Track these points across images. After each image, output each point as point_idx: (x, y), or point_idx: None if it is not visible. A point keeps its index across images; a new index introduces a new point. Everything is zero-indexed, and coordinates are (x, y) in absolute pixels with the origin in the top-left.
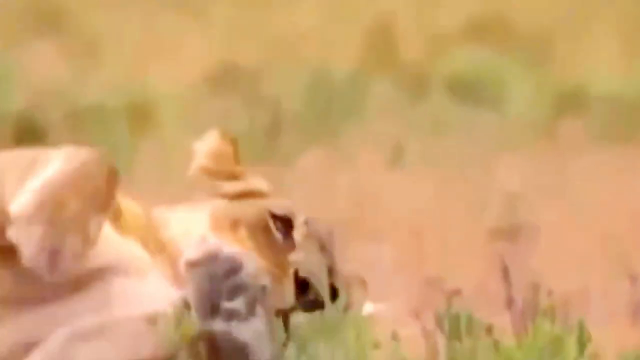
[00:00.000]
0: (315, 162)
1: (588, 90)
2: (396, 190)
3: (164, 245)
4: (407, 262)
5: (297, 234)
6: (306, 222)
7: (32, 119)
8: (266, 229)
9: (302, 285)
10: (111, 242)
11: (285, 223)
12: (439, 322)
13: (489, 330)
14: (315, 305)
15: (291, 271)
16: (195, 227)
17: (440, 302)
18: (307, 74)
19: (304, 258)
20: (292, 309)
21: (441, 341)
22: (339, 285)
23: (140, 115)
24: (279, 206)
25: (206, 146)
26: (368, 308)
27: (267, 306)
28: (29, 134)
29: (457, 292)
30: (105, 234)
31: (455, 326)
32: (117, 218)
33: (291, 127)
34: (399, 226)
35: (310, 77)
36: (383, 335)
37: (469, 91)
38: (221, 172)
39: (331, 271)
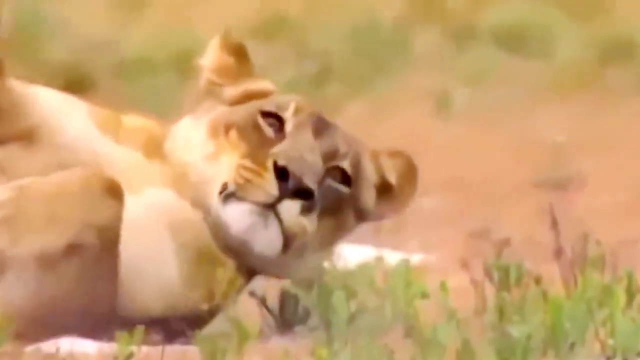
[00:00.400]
0: (361, 112)
1: (635, 39)
2: (442, 140)
3: (164, 154)
4: (455, 213)
5: (288, 125)
6: (297, 111)
7: (80, 69)
8: (256, 128)
9: (282, 174)
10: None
11: (277, 118)
12: (487, 273)
13: (538, 280)
14: (302, 193)
15: (270, 163)
16: (194, 135)
17: (489, 252)
18: (353, 24)
19: (289, 146)
20: (279, 200)
21: (490, 291)
22: (352, 164)
23: (186, 65)
24: (268, 103)
25: (208, 60)
26: (416, 258)
27: None
28: (77, 84)
29: (505, 243)
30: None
31: (504, 276)
32: (115, 129)
33: (337, 77)
34: (446, 177)
35: (356, 28)
36: (432, 285)
37: (515, 41)
38: (225, 82)
39: (335, 154)
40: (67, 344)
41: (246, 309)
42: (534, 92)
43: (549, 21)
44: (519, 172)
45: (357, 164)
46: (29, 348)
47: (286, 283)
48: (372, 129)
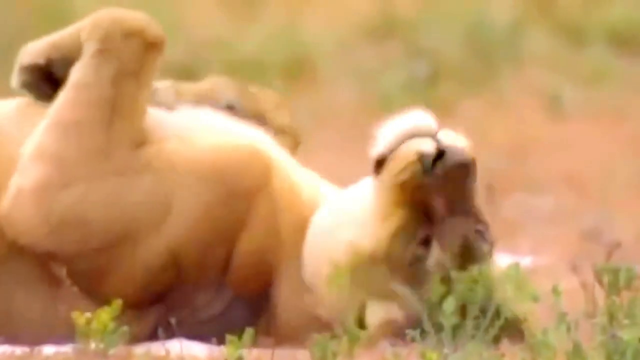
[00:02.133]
0: (474, 111)
1: None
2: (555, 139)
3: None
4: (566, 213)
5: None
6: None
7: (191, 69)
8: None
9: None
10: None
11: None
12: (598, 276)
13: None
14: None
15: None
16: None
17: (599, 254)
18: (466, 24)
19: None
20: None
21: (600, 294)
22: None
23: (297, 66)
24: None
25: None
26: (527, 261)
27: None
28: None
29: (616, 245)
30: None
31: (614, 279)
32: None
33: (450, 77)
34: (558, 176)
35: (468, 27)
36: (543, 288)
37: (627, 41)
38: None
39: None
40: (177, 346)
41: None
42: None
43: None
44: (632, 173)
45: None
46: (139, 349)
47: (397, 288)
48: (486, 129)
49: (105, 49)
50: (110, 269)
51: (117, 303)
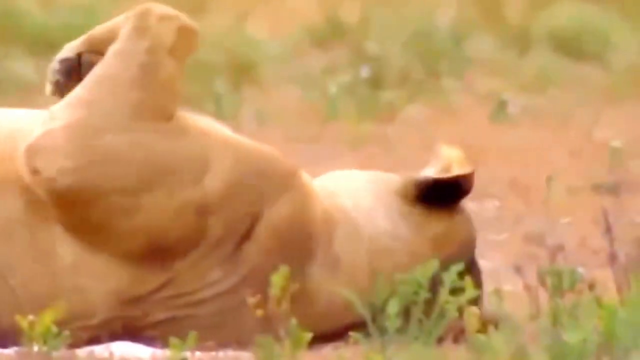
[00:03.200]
0: (419, 116)
1: None
2: (499, 144)
3: None
4: (510, 218)
5: None
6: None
7: None
8: None
9: None
10: None
11: None
12: (541, 278)
13: (592, 286)
14: None
15: None
16: None
17: (543, 258)
18: (410, 29)
19: None
20: None
21: (543, 297)
22: None
23: (242, 69)
24: None
25: None
26: None
27: None
28: None
29: (559, 248)
30: None
31: (557, 282)
32: None
33: (394, 82)
34: (502, 181)
35: (413, 32)
36: (486, 290)
37: (571, 45)
38: None
39: None
40: (120, 348)
41: None
42: (591, 97)
43: (606, 25)
44: (575, 176)
45: None
46: (82, 352)
47: (341, 290)
48: (430, 134)
49: (141, 27)
50: (131, 215)
51: (60, 306)
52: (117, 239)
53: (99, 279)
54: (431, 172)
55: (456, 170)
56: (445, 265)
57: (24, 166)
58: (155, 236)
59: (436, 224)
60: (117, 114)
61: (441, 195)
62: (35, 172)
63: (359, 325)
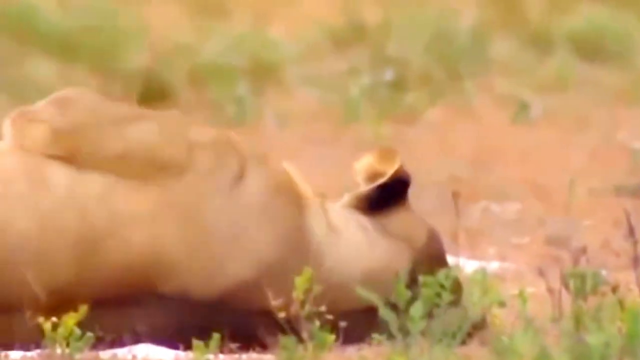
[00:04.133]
0: (439, 119)
1: None
2: (521, 146)
3: None
4: (532, 220)
5: None
6: None
7: (156, 76)
8: None
9: None
10: None
11: None
12: (564, 281)
13: (615, 288)
14: None
15: None
16: None
17: (565, 260)
18: (431, 31)
19: None
20: None
21: (566, 299)
22: None
23: (263, 72)
24: None
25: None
26: (494, 266)
27: None
28: (154, 91)
29: (582, 251)
30: None
31: (580, 284)
32: None
33: (415, 84)
34: (523, 183)
35: (433, 35)
36: (508, 293)
37: (592, 47)
38: None
39: None
40: (143, 350)
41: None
42: (611, 99)
43: (627, 27)
44: (598, 179)
45: None
46: (105, 354)
47: (362, 292)
48: (451, 136)
49: None
50: (126, 137)
51: (84, 308)
52: (113, 160)
53: (98, 198)
54: (364, 184)
55: (389, 169)
56: (422, 256)
57: (18, 119)
58: (148, 150)
59: (400, 222)
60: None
61: (388, 197)
62: (24, 115)
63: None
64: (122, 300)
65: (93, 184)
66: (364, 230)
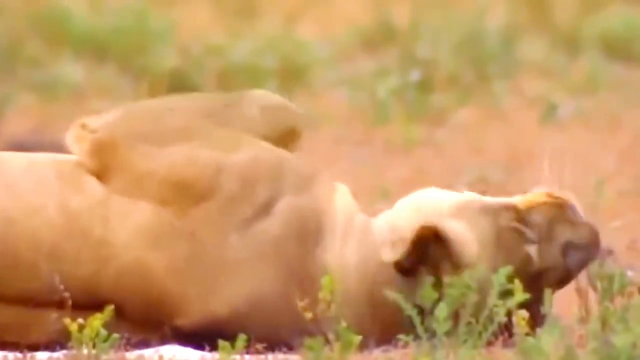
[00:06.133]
0: (468, 120)
1: None
2: (549, 148)
3: None
4: None
5: None
6: None
7: (185, 76)
8: None
9: None
10: None
11: None
12: (591, 281)
13: None
14: None
15: None
16: None
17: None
18: (460, 33)
19: None
20: None
21: (593, 300)
22: None
23: (292, 73)
24: None
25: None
26: None
27: None
28: (182, 91)
29: (610, 252)
30: None
31: (607, 285)
32: None
33: (444, 85)
34: (552, 183)
35: (463, 36)
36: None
37: (621, 48)
38: None
39: None
40: (170, 351)
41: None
42: None
43: None
44: (626, 179)
45: None
46: (132, 355)
47: (390, 293)
48: (480, 138)
49: None
50: (154, 159)
51: (109, 309)
52: (141, 179)
53: (124, 217)
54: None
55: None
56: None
57: (74, 127)
58: (172, 174)
59: None
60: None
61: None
62: (83, 125)
63: None
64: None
65: (118, 202)
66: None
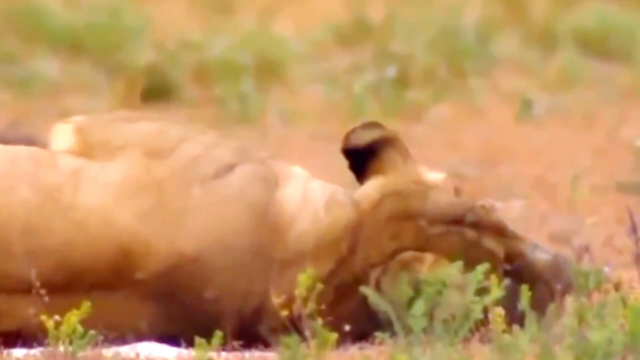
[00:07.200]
0: (444, 116)
1: None
2: (525, 144)
3: None
4: (536, 218)
5: None
6: None
7: (162, 73)
8: None
9: None
10: None
11: None
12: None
13: (618, 286)
14: None
15: None
16: None
17: (568, 257)
18: (436, 29)
19: None
20: None
21: (569, 296)
22: None
23: (268, 69)
24: None
25: None
26: None
27: None
28: (158, 87)
29: (585, 248)
30: None
31: (583, 282)
32: None
33: (419, 81)
34: (528, 180)
35: (438, 32)
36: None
37: (596, 44)
38: None
39: None
40: (146, 348)
41: None
42: (616, 96)
43: (631, 25)
44: (601, 176)
45: None
46: (108, 352)
47: (366, 290)
48: (455, 133)
49: None
50: None
51: (86, 305)
52: (116, 149)
53: (94, 180)
54: None
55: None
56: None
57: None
58: (143, 140)
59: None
60: None
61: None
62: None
63: None
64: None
65: (90, 167)
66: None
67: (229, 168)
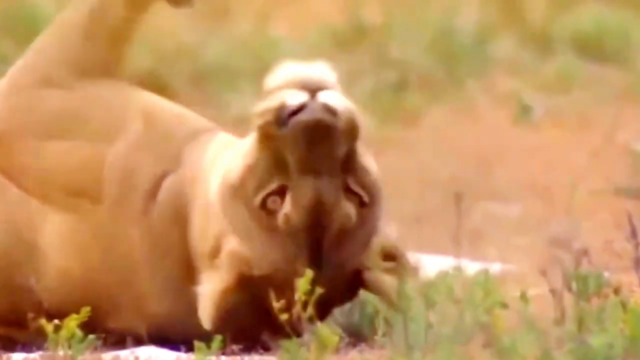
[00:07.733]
0: (441, 119)
1: None
2: (522, 147)
3: None
4: (534, 221)
5: None
6: None
7: (158, 76)
8: None
9: None
10: None
11: None
12: (567, 282)
13: (617, 290)
14: None
15: None
16: None
17: (567, 261)
18: (433, 32)
19: None
20: None
21: (569, 301)
22: None
23: (265, 73)
24: None
25: None
26: (496, 268)
27: None
28: (154, 91)
29: (584, 252)
30: None
31: (583, 286)
32: None
33: (417, 85)
34: (525, 184)
35: (435, 35)
36: (511, 294)
37: (593, 47)
38: None
39: None
40: (146, 352)
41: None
42: (613, 98)
43: (628, 27)
44: (599, 179)
45: None
46: (107, 356)
47: (365, 293)
48: (453, 137)
49: None
50: (40, 159)
51: (85, 310)
52: (33, 181)
53: (44, 221)
54: None
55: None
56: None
57: None
58: (62, 180)
59: None
60: (58, 66)
61: None
62: None
63: None
64: None
65: (23, 205)
66: None
67: (154, 192)
